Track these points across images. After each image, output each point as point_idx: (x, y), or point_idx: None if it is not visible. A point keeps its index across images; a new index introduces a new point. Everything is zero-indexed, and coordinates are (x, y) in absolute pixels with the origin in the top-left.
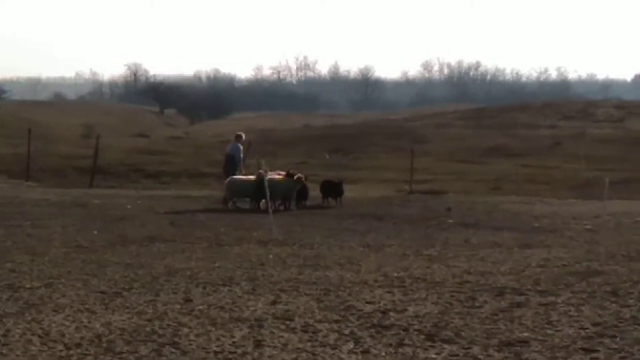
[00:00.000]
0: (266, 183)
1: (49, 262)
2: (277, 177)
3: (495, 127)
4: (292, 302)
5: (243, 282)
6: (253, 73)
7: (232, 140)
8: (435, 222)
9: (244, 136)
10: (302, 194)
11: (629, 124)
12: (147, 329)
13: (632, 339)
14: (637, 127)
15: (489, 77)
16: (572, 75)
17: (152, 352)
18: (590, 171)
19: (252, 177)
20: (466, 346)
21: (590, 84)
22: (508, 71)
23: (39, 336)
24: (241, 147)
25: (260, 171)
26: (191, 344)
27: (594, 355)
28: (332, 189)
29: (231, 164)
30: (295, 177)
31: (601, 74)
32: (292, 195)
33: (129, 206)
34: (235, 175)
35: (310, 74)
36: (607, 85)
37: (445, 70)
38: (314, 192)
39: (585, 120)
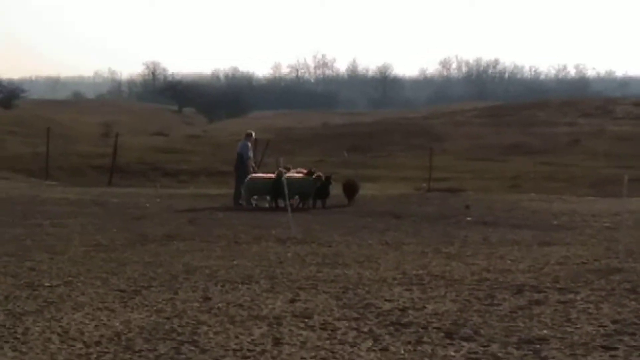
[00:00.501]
0: (284, 181)
1: (68, 260)
2: (296, 175)
3: (514, 124)
4: (310, 300)
5: (262, 280)
6: (271, 71)
7: (242, 138)
8: (453, 220)
9: (253, 134)
10: (323, 192)
11: None
12: (166, 327)
13: None
14: None
15: (507, 74)
16: (590, 72)
17: (171, 350)
18: (609, 168)
19: (272, 175)
20: (485, 344)
21: (608, 81)
22: (526, 68)
23: (58, 334)
24: (249, 145)
25: (280, 169)
26: (210, 342)
27: (613, 352)
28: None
29: (240, 162)
30: (314, 176)
31: (620, 71)
32: (310, 193)
33: (147, 205)
34: (244, 173)
35: (328, 72)
36: (626, 82)
37: (464, 68)
38: (336, 190)
39: (604, 117)
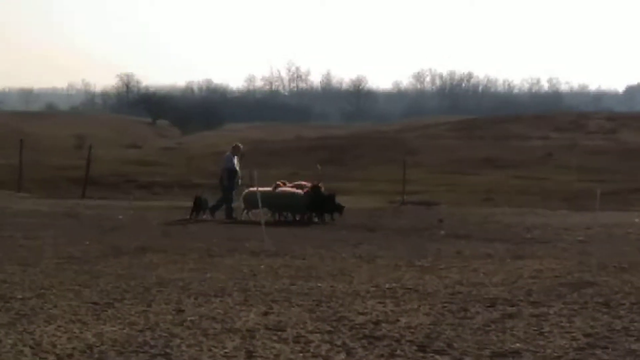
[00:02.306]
0: (259, 195)
1: (40, 272)
2: (288, 189)
3: (487, 138)
4: (284, 313)
5: (235, 292)
6: (245, 84)
7: (229, 151)
8: (427, 233)
9: (241, 146)
10: (319, 206)
11: (620, 135)
12: (139, 339)
13: (623, 350)
14: (629, 138)
15: (480, 88)
16: (564, 86)
17: None
18: (582, 182)
19: (268, 188)
20: (458, 357)
21: (582, 95)
22: (500, 82)
23: (31, 347)
24: (235, 158)
25: (278, 183)
26: (183, 355)
27: None
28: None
29: (227, 176)
30: (304, 190)
31: (593, 85)
32: (301, 207)
33: (121, 217)
34: (231, 187)
35: (302, 85)
36: (599, 96)
37: (437, 82)
38: None
39: (577, 131)
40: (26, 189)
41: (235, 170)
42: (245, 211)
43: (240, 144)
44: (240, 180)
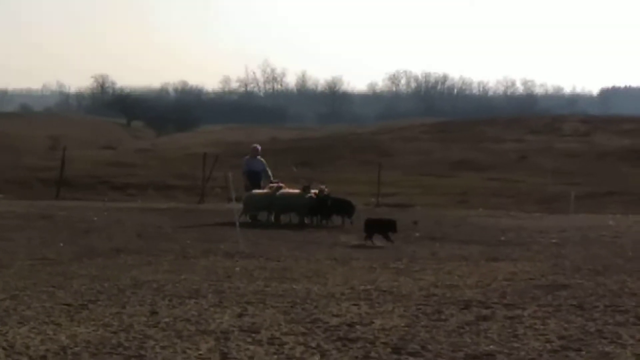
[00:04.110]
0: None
1: (14, 274)
2: (291, 191)
3: (462, 140)
4: (258, 315)
5: (209, 294)
6: (220, 85)
7: (250, 155)
8: (402, 235)
9: (259, 148)
10: (319, 210)
11: (594, 138)
12: (113, 341)
13: (597, 353)
14: (603, 141)
15: (455, 91)
16: (538, 89)
17: None
18: (557, 185)
19: (268, 190)
20: (432, 359)
21: (556, 98)
22: (475, 85)
23: (4, 348)
24: (252, 160)
25: (279, 184)
26: (157, 357)
27: None
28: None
29: (246, 179)
30: (307, 196)
31: (568, 88)
32: (304, 210)
33: (95, 218)
34: (254, 188)
35: (277, 86)
36: (574, 99)
37: (413, 84)
38: None
39: (552, 134)
40: (0, 190)
41: (255, 172)
42: (244, 214)
43: (256, 145)
44: (264, 179)
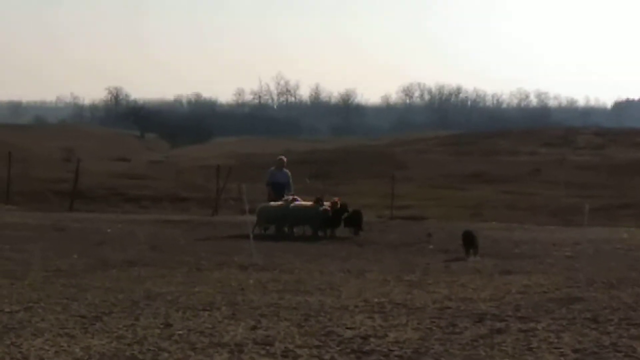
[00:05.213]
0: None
1: (28, 286)
2: (305, 203)
3: (476, 153)
4: (272, 327)
5: (223, 307)
6: (234, 97)
7: (276, 167)
8: (415, 247)
9: (284, 160)
10: (333, 222)
11: (608, 151)
12: (127, 353)
13: None
14: (617, 154)
15: (469, 103)
16: (552, 101)
17: None
18: (570, 198)
19: (282, 203)
20: None
21: (570, 110)
22: (489, 97)
23: None
24: (277, 172)
25: (293, 197)
26: None
27: None
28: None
29: (270, 190)
30: (321, 208)
31: (581, 101)
32: (318, 222)
33: (109, 230)
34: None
35: (291, 98)
36: (588, 112)
37: (426, 96)
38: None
39: (565, 147)
40: (14, 201)
41: (279, 184)
42: (258, 226)
43: (281, 157)
44: (287, 192)
